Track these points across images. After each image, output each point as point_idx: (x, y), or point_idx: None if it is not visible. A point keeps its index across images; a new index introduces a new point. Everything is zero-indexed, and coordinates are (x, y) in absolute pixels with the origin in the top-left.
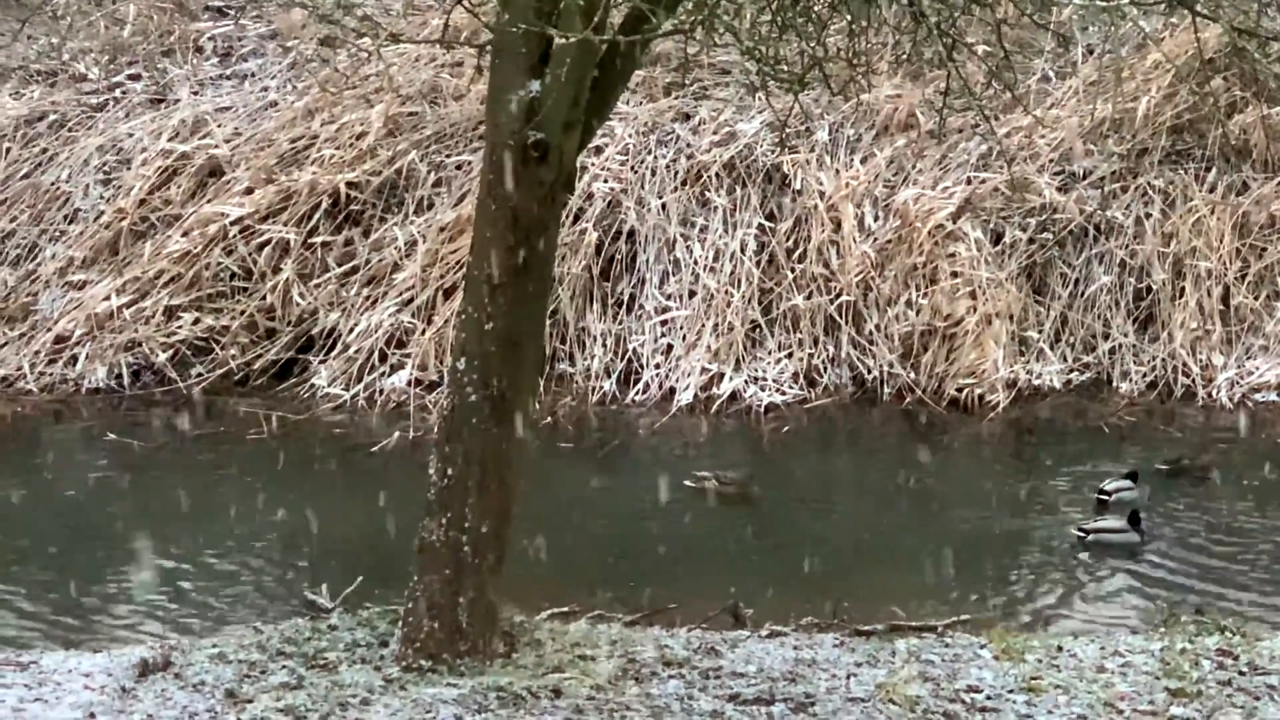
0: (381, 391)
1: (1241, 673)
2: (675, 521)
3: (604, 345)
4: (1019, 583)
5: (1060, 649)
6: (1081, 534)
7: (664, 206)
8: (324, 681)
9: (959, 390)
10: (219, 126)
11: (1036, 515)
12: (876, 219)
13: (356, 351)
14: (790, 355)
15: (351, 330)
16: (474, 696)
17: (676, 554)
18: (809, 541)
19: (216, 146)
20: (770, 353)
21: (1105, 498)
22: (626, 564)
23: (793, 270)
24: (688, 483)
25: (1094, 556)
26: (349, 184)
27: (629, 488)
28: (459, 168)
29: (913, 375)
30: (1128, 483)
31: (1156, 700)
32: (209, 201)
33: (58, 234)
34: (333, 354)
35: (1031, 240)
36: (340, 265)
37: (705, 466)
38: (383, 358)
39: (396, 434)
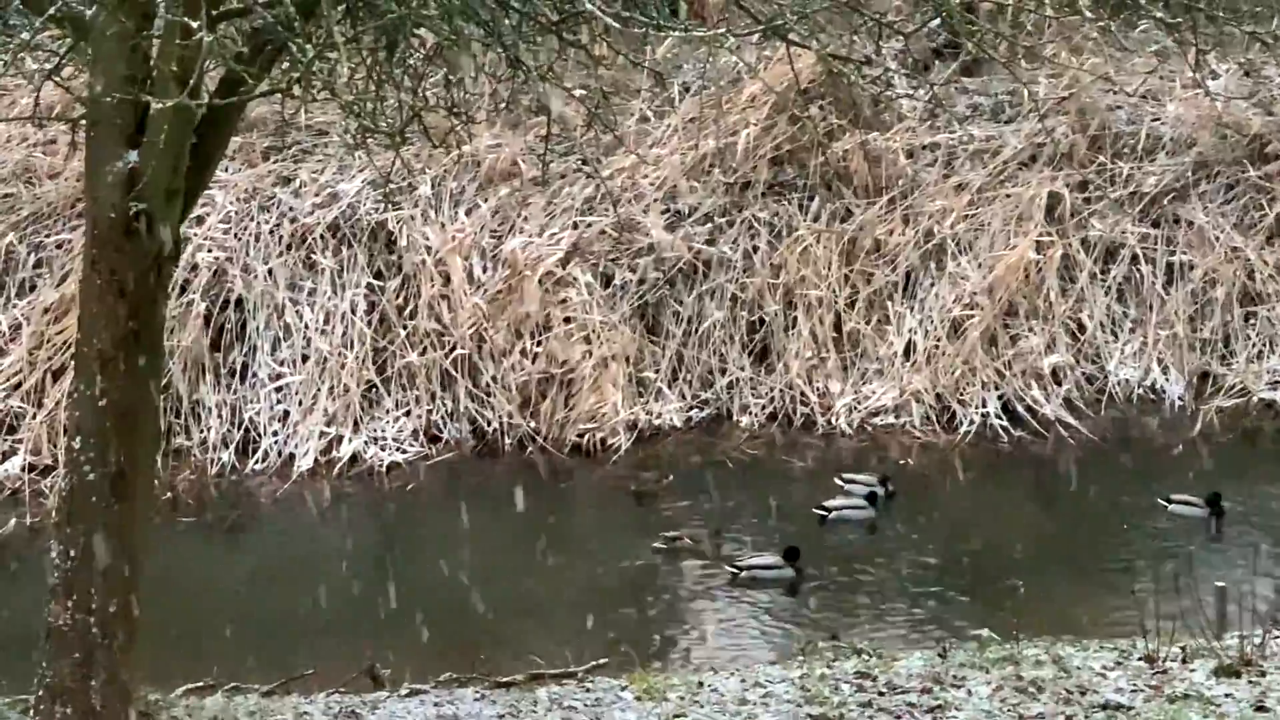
0: None
1: (881, 693)
2: (308, 589)
3: (219, 416)
4: (659, 623)
5: (701, 685)
6: (735, 570)
7: (271, 272)
8: None
9: (580, 436)
10: None
11: (672, 554)
12: (485, 270)
13: None
14: (408, 413)
15: None
16: None
17: (311, 621)
18: (445, 598)
19: None
20: (388, 411)
21: (825, 514)
22: (260, 634)
23: (405, 327)
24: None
25: (744, 592)
26: None
27: (254, 558)
28: (60, 247)
29: (533, 424)
30: (858, 500)
31: None
32: None
33: None
34: None
35: (642, 280)
36: None
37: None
38: None
39: (13, 521)
